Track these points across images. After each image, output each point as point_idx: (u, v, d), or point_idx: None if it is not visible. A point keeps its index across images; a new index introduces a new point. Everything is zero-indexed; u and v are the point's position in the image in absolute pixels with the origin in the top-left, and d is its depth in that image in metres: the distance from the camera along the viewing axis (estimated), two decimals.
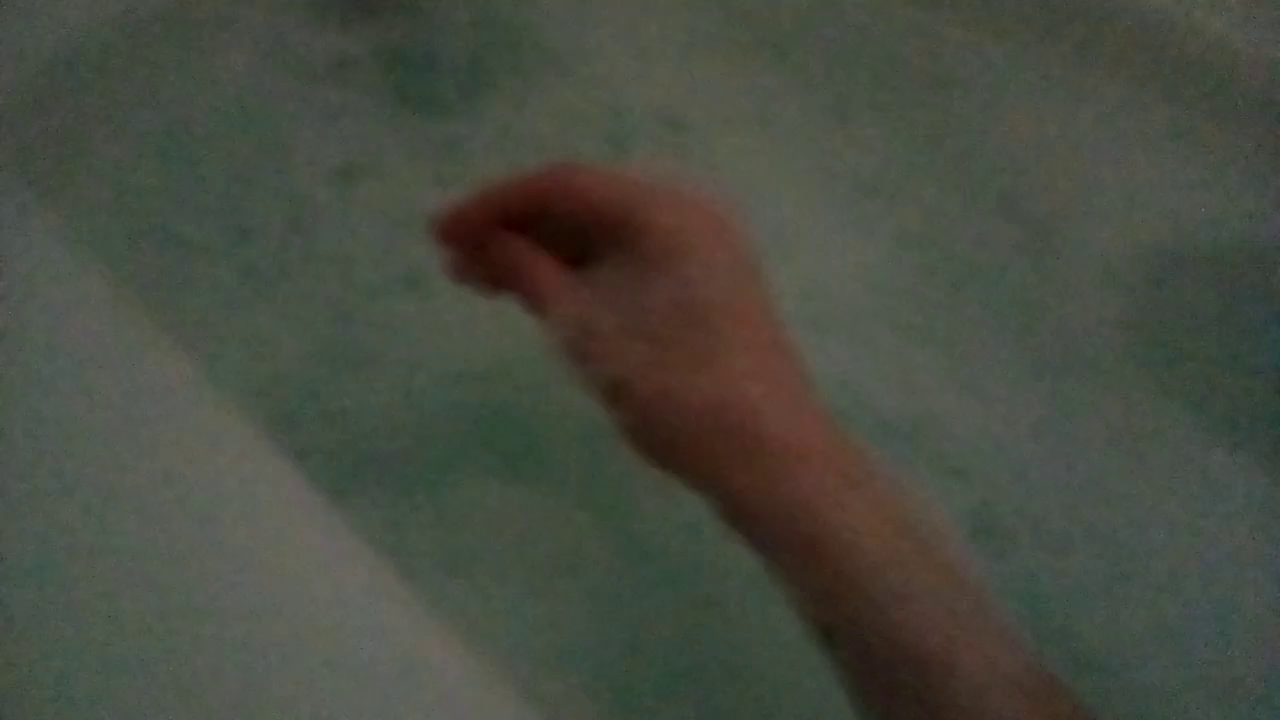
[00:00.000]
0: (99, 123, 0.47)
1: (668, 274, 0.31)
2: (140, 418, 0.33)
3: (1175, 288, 0.52)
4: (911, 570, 0.28)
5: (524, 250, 0.34)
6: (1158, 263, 0.53)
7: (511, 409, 0.47)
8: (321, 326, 0.48)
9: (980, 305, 0.52)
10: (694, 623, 0.41)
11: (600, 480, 0.44)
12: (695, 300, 0.31)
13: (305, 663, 0.28)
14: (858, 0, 0.59)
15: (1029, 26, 0.57)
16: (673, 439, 0.31)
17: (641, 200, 0.32)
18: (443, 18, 0.58)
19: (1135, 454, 0.48)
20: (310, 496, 0.32)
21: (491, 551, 0.42)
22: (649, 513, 0.43)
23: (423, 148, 0.55)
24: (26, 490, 0.30)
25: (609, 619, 0.41)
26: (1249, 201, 0.53)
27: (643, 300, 0.31)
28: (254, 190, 0.51)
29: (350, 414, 0.46)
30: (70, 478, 0.31)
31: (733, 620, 0.41)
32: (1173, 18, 0.54)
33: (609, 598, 0.41)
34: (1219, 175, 0.54)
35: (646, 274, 0.31)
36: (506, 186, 0.34)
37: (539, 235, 0.34)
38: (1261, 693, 0.41)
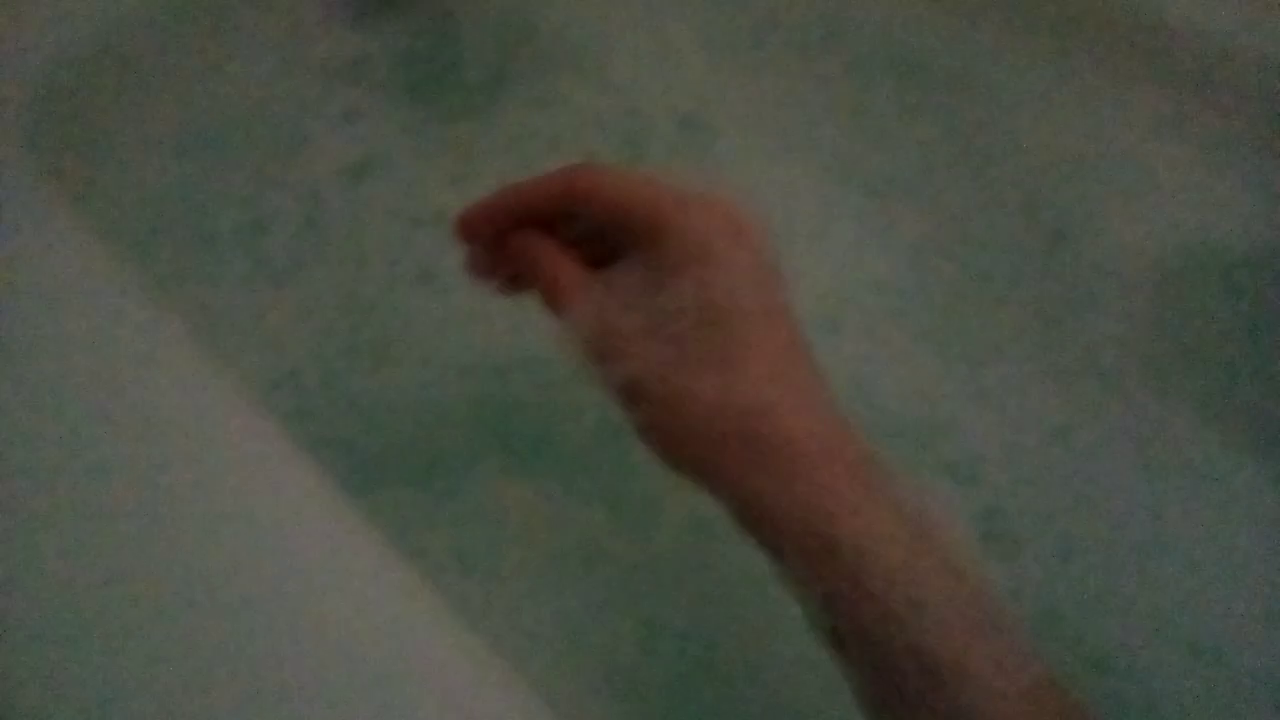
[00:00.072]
0: (121, 119, 0.48)
1: (689, 276, 0.31)
2: (158, 408, 0.33)
3: (1192, 295, 0.52)
4: (925, 577, 0.28)
5: (544, 248, 0.34)
6: (1175, 269, 0.53)
7: (526, 404, 0.47)
8: (336, 320, 0.49)
9: (996, 310, 0.52)
10: (707, 620, 0.41)
11: (615, 477, 0.44)
12: (715, 303, 0.31)
13: (317, 654, 0.28)
14: (880, 4, 0.59)
15: (1052, 32, 0.57)
16: (689, 440, 0.31)
17: (664, 202, 0.32)
18: (466, 18, 0.58)
19: (1147, 460, 0.48)
20: (326, 489, 0.32)
21: (505, 547, 0.42)
22: (663, 510, 0.44)
23: (437, 147, 0.55)
24: (45, 480, 0.31)
25: (622, 615, 0.41)
26: (1269, 210, 0.53)
27: (663, 301, 0.31)
28: (271, 186, 0.52)
29: (365, 407, 0.46)
30: (88, 468, 0.31)
31: (745, 618, 0.41)
32: (1196, 26, 0.54)
33: (622, 594, 0.41)
34: (1239, 183, 0.54)
35: (667, 276, 0.31)
36: (529, 185, 0.34)
37: (560, 235, 0.34)
38: (1273, 698, 0.41)
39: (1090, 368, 0.50)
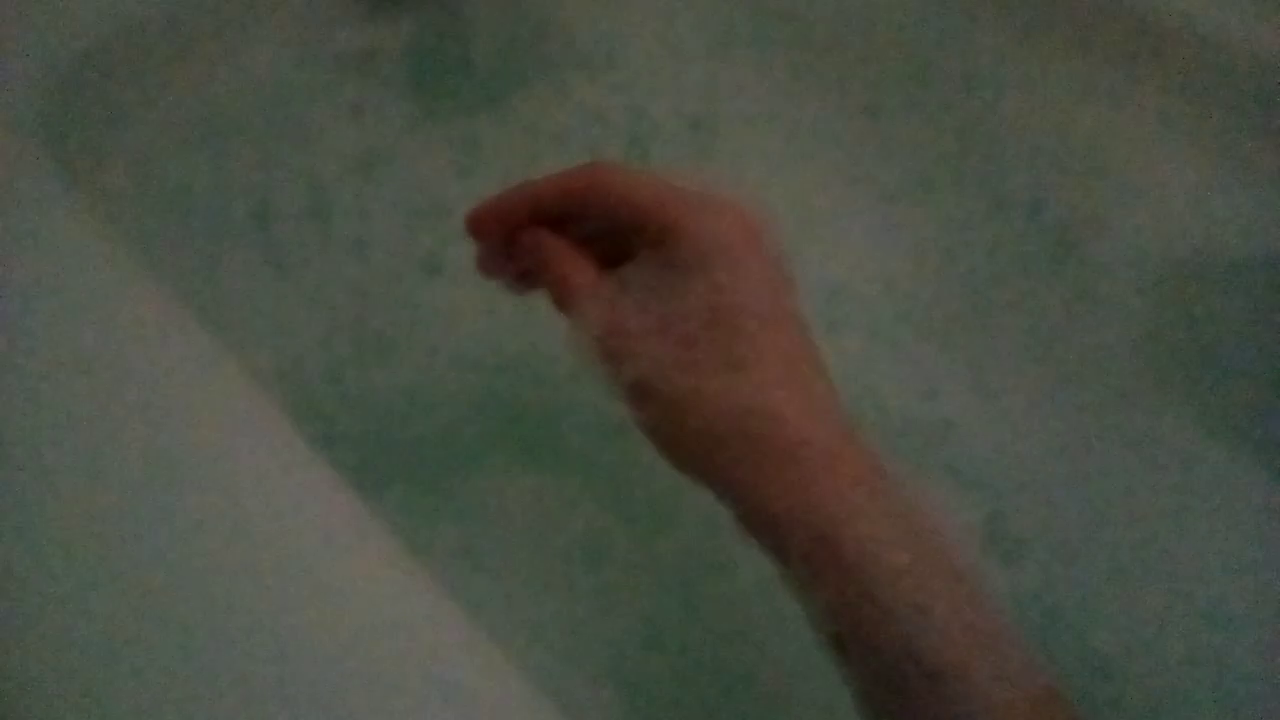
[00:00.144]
0: (129, 110, 0.48)
1: (699, 278, 0.31)
2: (165, 398, 0.33)
3: (1200, 299, 0.52)
4: (929, 582, 0.28)
5: (555, 247, 0.34)
6: (1183, 273, 0.53)
7: (532, 399, 0.47)
8: (342, 310, 0.49)
9: (1002, 313, 0.52)
10: (710, 618, 0.41)
11: (621, 474, 0.44)
12: (726, 305, 0.31)
13: (323, 650, 0.28)
14: (888, 4, 0.59)
15: (1060, 32, 0.57)
16: (696, 441, 0.31)
17: (676, 203, 0.32)
18: (477, 15, 0.58)
19: (1151, 465, 0.48)
20: (331, 483, 0.32)
21: (510, 542, 0.42)
22: (668, 509, 0.44)
23: (446, 141, 0.55)
24: (50, 472, 0.31)
25: (626, 612, 0.41)
26: (1273, 213, 0.53)
27: (673, 302, 0.31)
28: (279, 177, 0.52)
29: (371, 399, 0.46)
30: (95, 459, 0.31)
31: (749, 616, 0.41)
32: (1204, 25, 0.54)
33: (627, 591, 0.42)
34: (1248, 185, 0.53)
35: (678, 277, 0.31)
36: (541, 183, 0.34)
37: (571, 234, 0.34)
38: (1273, 699, 0.41)
39: (1094, 370, 0.50)
